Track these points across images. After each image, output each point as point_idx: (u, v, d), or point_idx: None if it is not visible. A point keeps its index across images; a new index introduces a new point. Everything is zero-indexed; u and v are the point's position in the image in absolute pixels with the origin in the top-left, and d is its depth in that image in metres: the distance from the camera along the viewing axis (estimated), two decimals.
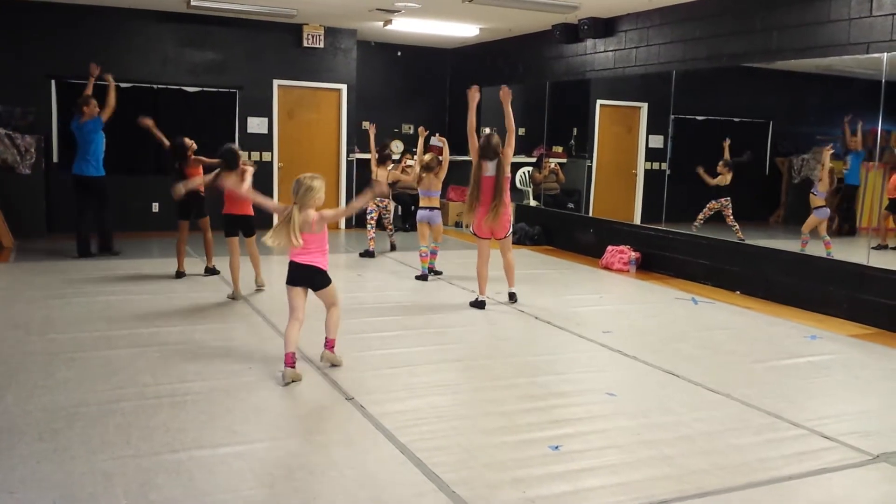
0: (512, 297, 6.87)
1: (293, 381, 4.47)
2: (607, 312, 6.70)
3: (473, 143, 6.76)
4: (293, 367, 4.52)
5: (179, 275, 7.41)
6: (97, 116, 8.50)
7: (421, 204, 8.17)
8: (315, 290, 4.70)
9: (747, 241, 7.89)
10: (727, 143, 8.66)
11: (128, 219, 10.31)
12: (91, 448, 3.46)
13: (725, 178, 8.60)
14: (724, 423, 4.08)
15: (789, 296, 7.12)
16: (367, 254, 9.08)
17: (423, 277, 7.81)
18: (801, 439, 3.88)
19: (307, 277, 4.64)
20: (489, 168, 6.63)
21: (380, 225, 9.51)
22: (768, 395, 4.52)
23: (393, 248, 9.53)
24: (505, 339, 5.74)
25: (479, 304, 6.61)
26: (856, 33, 6.54)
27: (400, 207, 11.70)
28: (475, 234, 6.79)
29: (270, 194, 11.15)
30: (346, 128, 11.61)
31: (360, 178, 11.84)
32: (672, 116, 8.80)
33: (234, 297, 6.62)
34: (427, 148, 12.64)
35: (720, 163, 8.66)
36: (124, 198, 10.34)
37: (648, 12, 8.79)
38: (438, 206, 8.17)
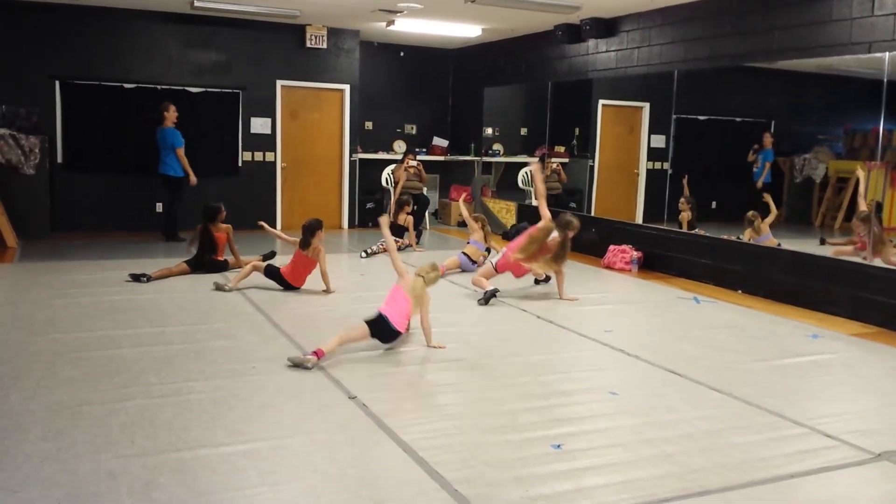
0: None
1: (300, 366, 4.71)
2: (609, 312, 6.71)
3: (545, 211, 6.93)
4: (314, 358, 4.75)
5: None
6: (169, 126, 9.52)
7: (468, 249, 8.36)
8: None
9: (749, 241, 7.90)
10: (685, 179, 8.78)
11: (132, 219, 10.36)
12: (95, 447, 3.47)
13: (687, 215, 8.63)
14: (725, 421, 4.09)
15: (791, 295, 7.12)
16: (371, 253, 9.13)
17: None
18: (803, 438, 3.89)
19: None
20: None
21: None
22: (770, 394, 4.53)
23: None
24: (507, 338, 5.75)
25: (489, 297, 6.70)
26: (857, 33, 6.55)
27: None
28: (495, 267, 7.06)
29: (273, 195, 11.19)
30: (349, 128, 11.63)
31: (363, 178, 11.89)
32: (674, 116, 8.80)
33: (224, 287, 6.76)
34: (430, 148, 12.72)
35: (682, 199, 8.75)
36: (129, 199, 10.39)
37: (650, 12, 8.79)
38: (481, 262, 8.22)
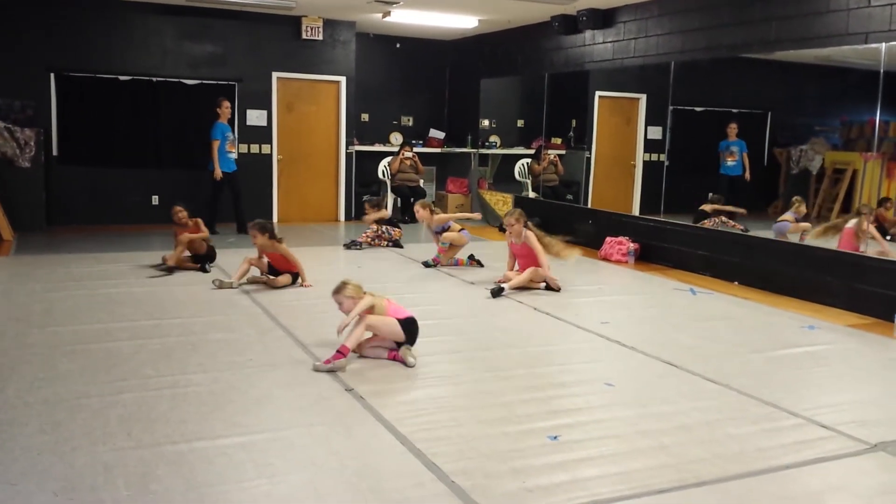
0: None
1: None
2: (606, 303, 6.72)
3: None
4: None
5: None
6: (218, 122, 9.72)
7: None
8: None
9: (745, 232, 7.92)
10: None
11: (128, 212, 10.34)
12: (92, 440, 3.47)
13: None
14: (721, 412, 4.10)
15: (787, 286, 7.13)
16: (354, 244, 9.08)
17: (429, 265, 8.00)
18: (799, 429, 3.90)
19: None
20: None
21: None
22: (766, 385, 4.54)
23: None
24: (504, 329, 5.75)
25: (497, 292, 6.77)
26: (854, 23, 6.54)
27: (399, 200, 11.72)
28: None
29: (269, 187, 11.17)
30: (346, 120, 11.60)
31: (360, 170, 11.87)
32: (671, 107, 8.80)
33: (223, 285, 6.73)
34: (427, 140, 12.70)
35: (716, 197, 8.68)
36: (124, 191, 10.38)
37: (647, 3, 8.78)
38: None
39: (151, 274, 7.17)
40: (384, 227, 9.26)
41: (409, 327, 4.89)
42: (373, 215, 9.27)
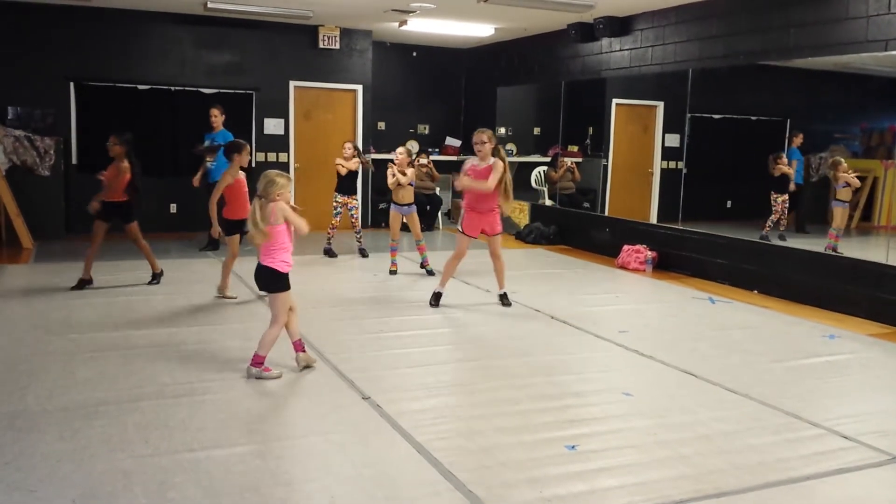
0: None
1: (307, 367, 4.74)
2: (623, 312, 6.68)
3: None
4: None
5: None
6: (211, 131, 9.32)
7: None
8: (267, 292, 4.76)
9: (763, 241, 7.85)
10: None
11: (146, 220, 10.38)
12: (110, 447, 3.49)
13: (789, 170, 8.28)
14: (741, 422, 4.06)
15: (808, 295, 7.06)
16: (329, 253, 9.02)
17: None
18: (820, 439, 3.86)
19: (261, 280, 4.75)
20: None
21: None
22: (786, 395, 4.49)
23: (363, 254, 9.23)
24: (520, 338, 5.73)
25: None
26: (874, 30, 6.49)
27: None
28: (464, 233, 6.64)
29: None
30: (362, 128, 11.63)
31: (377, 177, 11.88)
32: (688, 115, 8.76)
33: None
34: (443, 148, 12.72)
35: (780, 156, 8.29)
36: (142, 199, 10.41)
37: (664, 10, 8.75)
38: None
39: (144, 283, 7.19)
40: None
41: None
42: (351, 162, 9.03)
